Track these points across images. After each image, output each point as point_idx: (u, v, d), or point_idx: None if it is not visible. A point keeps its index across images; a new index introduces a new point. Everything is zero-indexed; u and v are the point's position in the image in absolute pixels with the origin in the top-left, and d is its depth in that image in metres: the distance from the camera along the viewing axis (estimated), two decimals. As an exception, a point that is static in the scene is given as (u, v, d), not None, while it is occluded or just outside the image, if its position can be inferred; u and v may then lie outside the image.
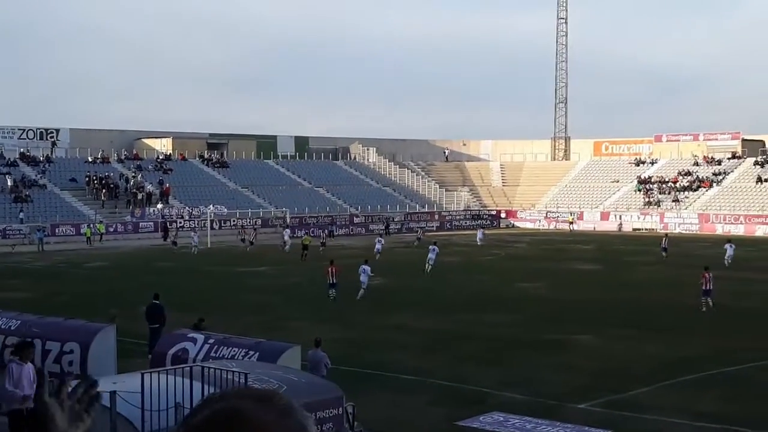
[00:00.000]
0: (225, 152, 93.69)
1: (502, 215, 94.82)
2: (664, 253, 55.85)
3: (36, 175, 77.79)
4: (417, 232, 74.25)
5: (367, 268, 37.35)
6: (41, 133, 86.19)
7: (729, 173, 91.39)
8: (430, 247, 49.30)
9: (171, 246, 64.03)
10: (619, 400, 20.54)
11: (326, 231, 73.37)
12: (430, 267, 47.33)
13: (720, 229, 79.17)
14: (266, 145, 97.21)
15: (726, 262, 50.35)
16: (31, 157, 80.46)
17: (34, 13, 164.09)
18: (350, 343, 27.06)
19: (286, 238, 63.85)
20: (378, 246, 55.38)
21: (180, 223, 73.96)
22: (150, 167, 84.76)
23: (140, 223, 73.55)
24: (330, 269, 36.29)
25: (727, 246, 52.63)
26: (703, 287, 33.61)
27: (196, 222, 72.35)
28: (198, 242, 61.20)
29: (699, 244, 62.33)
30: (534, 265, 51.08)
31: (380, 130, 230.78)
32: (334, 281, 36.02)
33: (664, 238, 59.11)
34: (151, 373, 14.53)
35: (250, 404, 1.45)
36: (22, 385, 14.59)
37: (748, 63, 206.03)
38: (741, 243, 65.32)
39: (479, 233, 70.86)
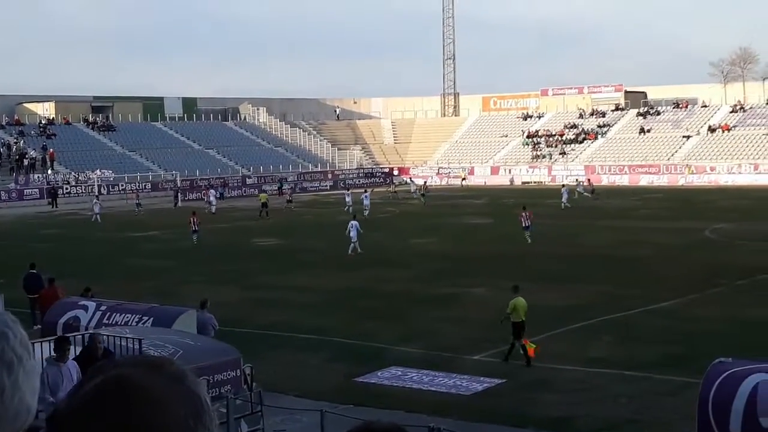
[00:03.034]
0: (110, 115, 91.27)
1: (395, 173, 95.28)
2: (423, 199, 63.55)
3: None
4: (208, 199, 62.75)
5: (356, 223, 38.18)
6: None
7: (613, 125, 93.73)
8: (364, 194, 55.79)
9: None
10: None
11: (290, 188, 74.73)
12: (367, 212, 52.44)
13: (606, 180, 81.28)
14: (153, 107, 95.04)
15: (563, 206, 54.99)
16: None
17: None
18: (248, 304, 26.95)
19: (212, 199, 62.14)
20: (366, 202, 54.13)
21: (66, 189, 72.02)
22: (33, 132, 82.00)
23: (25, 191, 71.32)
24: (192, 218, 42.26)
25: (563, 191, 57.19)
26: (523, 224, 39.90)
27: (84, 187, 70.50)
28: (99, 210, 59.24)
29: (584, 195, 63.72)
30: (427, 221, 51.61)
31: (270, 90, 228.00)
32: (196, 228, 42.00)
33: (422, 187, 68.76)
34: (41, 342, 14.16)
35: (140, 371, 1.44)
36: (57, 388, 11.81)
37: (628, 16, 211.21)
38: (626, 193, 67.38)
39: (412, 185, 75.06)
